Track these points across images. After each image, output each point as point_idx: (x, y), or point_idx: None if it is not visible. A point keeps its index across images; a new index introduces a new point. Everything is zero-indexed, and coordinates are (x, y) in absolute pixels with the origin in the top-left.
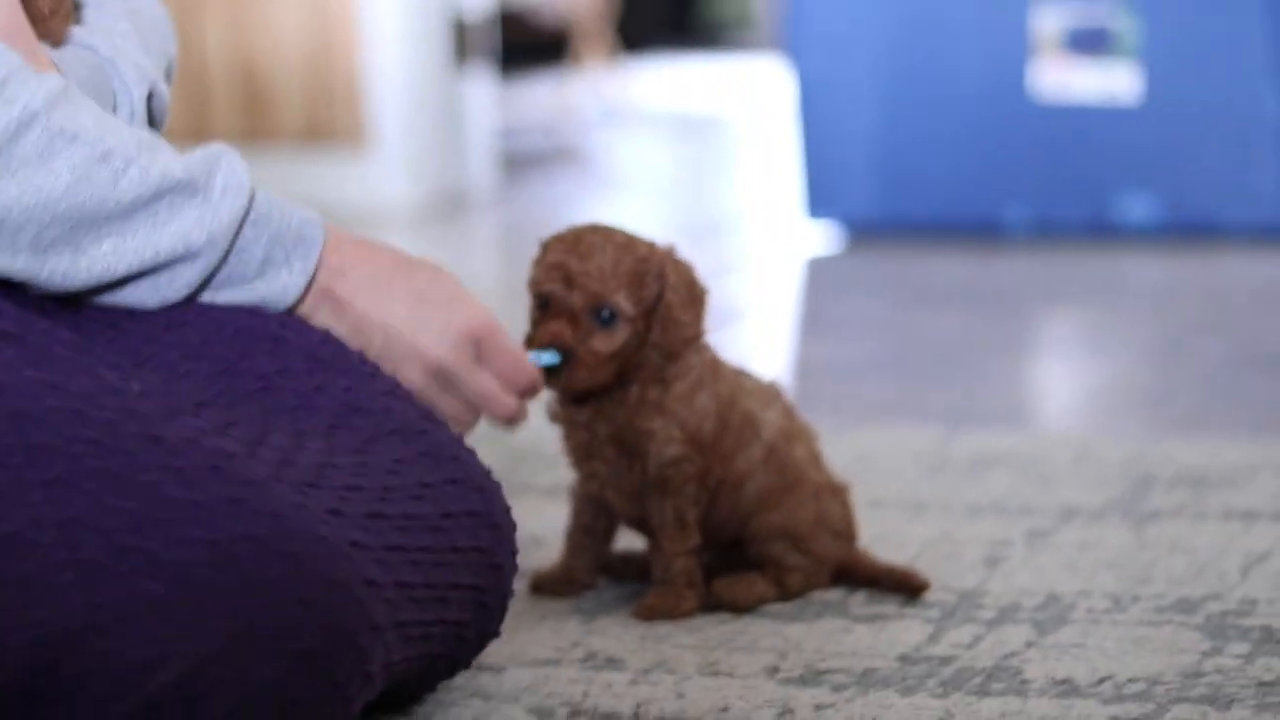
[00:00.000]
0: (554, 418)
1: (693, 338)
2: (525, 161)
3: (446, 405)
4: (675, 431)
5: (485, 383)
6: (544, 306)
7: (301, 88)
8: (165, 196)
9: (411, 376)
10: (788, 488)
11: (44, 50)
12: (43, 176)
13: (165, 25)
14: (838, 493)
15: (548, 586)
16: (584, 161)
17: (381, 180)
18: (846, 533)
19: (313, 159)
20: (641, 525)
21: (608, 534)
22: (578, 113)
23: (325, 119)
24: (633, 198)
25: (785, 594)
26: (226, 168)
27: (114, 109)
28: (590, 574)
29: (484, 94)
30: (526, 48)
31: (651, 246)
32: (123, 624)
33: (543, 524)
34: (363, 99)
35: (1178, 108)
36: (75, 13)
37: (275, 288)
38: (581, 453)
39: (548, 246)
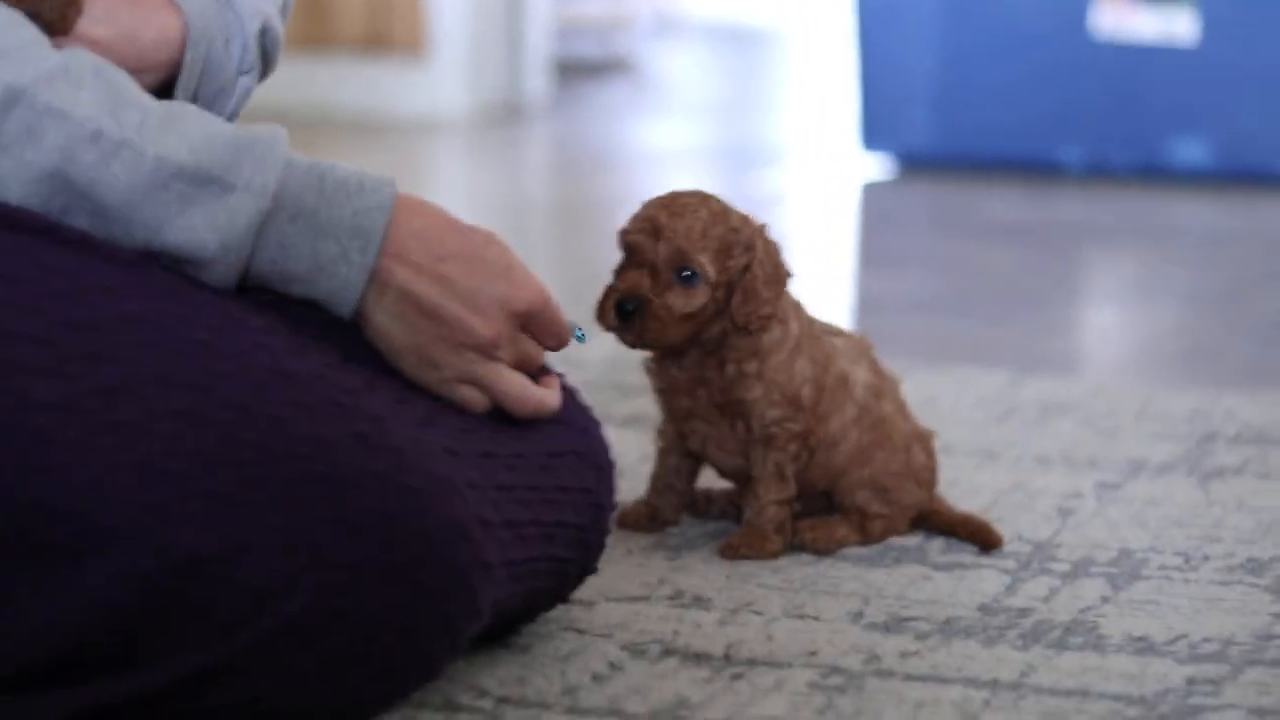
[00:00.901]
0: (650, 374)
1: (768, 316)
2: (580, 71)
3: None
4: (776, 396)
5: (527, 345)
6: (629, 257)
7: None
8: (172, 185)
9: (457, 353)
10: (878, 443)
11: None
12: (34, 153)
13: None
14: (922, 439)
15: (632, 522)
16: (638, 73)
17: (439, 88)
18: (929, 480)
19: (372, 67)
20: (734, 476)
21: (692, 474)
22: (633, 22)
23: (385, 27)
24: (686, 118)
25: (866, 539)
26: (259, 157)
27: (226, 42)
28: (675, 512)
29: (541, 4)
30: None
31: (745, 219)
32: (249, 553)
33: (622, 455)
34: (422, 7)
35: (1234, 55)
36: None
37: (335, 285)
38: (682, 413)
39: (645, 203)
